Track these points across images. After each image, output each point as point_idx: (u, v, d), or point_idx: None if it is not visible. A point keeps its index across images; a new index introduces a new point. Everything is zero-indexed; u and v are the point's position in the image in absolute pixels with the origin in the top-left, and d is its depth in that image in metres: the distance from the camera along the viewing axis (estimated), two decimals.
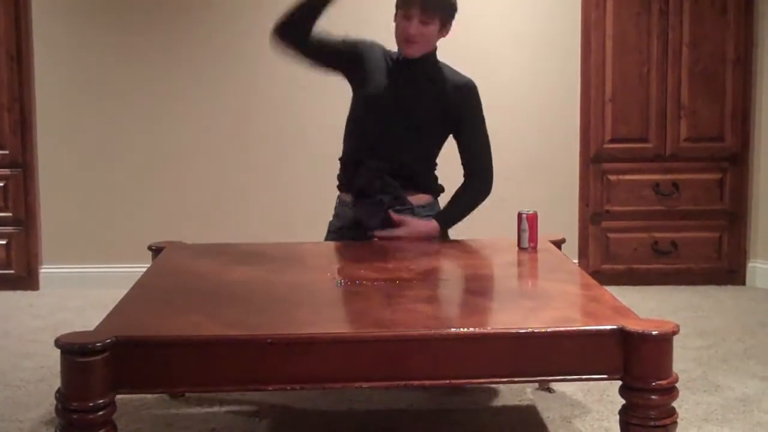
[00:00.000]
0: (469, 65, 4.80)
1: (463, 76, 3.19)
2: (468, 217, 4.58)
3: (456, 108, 3.14)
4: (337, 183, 3.26)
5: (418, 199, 3.15)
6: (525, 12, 4.83)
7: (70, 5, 4.82)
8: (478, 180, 3.22)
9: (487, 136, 3.21)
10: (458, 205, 3.20)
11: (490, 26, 4.83)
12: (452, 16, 3.10)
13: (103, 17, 4.82)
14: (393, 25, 3.10)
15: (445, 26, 3.10)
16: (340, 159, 3.25)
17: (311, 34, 3.04)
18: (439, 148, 3.23)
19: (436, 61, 3.17)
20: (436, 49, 3.15)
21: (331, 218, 3.29)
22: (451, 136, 3.22)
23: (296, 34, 3.03)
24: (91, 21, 4.82)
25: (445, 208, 3.21)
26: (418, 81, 3.12)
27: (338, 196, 3.27)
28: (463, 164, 3.22)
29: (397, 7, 3.09)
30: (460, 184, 3.22)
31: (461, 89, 3.15)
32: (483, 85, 4.78)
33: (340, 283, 2.50)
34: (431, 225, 3.11)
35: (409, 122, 3.11)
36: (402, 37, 3.07)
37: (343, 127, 3.23)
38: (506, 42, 4.84)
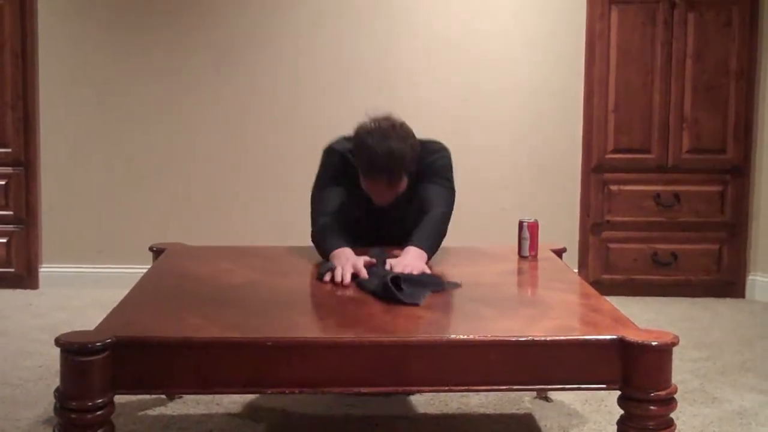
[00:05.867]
0: (473, 74, 4.84)
1: (434, 143, 3.04)
2: (469, 223, 4.59)
3: (424, 169, 2.98)
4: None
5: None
6: (530, 22, 4.84)
7: (75, 5, 4.83)
8: (437, 209, 2.95)
9: (447, 188, 3.01)
10: (431, 232, 2.92)
11: (495, 35, 4.83)
12: (415, 159, 2.86)
13: (107, 18, 4.82)
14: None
15: (411, 170, 2.90)
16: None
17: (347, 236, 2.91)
18: None
19: None
20: None
21: None
22: None
23: None
24: (95, 21, 4.83)
25: (420, 236, 2.89)
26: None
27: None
28: (423, 205, 2.98)
29: (357, 165, 2.88)
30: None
31: (428, 150, 2.99)
32: (487, 93, 4.83)
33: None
34: (416, 252, 2.80)
35: (405, 228, 2.95)
36: (373, 198, 2.92)
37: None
38: (511, 51, 4.84)
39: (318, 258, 2.87)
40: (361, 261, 2.64)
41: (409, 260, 2.68)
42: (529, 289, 2.77)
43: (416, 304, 2.31)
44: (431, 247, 2.86)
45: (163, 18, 4.83)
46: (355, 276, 2.58)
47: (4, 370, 3.47)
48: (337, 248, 2.77)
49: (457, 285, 2.56)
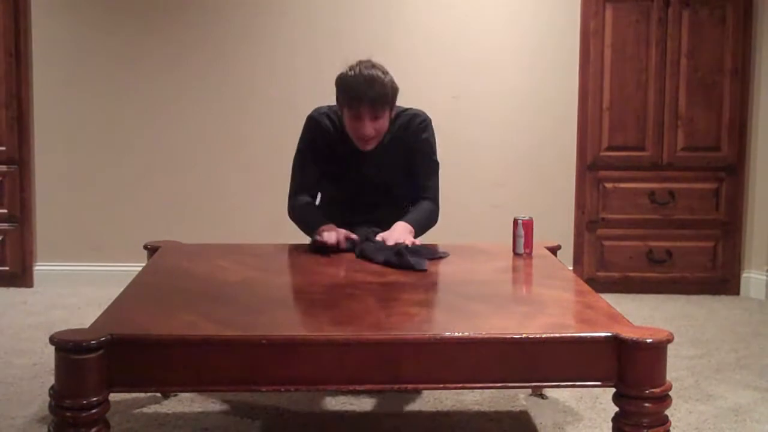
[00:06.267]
0: (468, 72, 4.84)
1: (416, 110, 3.17)
2: (464, 221, 4.61)
3: (410, 140, 3.12)
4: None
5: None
6: (524, 19, 4.84)
7: (68, 3, 4.82)
8: (432, 203, 3.18)
9: (437, 169, 3.20)
10: (420, 216, 3.12)
11: (490, 33, 4.83)
12: (396, 96, 3.00)
13: (101, 16, 4.82)
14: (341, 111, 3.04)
15: (393, 107, 3.03)
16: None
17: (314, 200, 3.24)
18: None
19: None
20: None
21: None
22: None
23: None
24: (89, 19, 4.82)
25: (409, 217, 3.10)
26: (377, 151, 3.08)
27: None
28: (414, 189, 3.19)
29: (341, 103, 3.00)
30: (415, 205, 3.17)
31: (413, 121, 3.13)
32: (481, 91, 4.83)
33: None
34: (404, 226, 3.02)
35: (383, 187, 3.16)
36: (356, 136, 3.01)
37: None
38: (505, 49, 4.84)
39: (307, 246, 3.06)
40: (343, 233, 2.93)
41: (399, 234, 2.93)
42: (524, 286, 2.77)
43: (424, 270, 2.63)
44: (419, 226, 3.07)
45: (158, 15, 4.82)
46: (352, 244, 2.88)
47: None
48: (322, 224, 3.02)
49: (446, 254, 2.90)
